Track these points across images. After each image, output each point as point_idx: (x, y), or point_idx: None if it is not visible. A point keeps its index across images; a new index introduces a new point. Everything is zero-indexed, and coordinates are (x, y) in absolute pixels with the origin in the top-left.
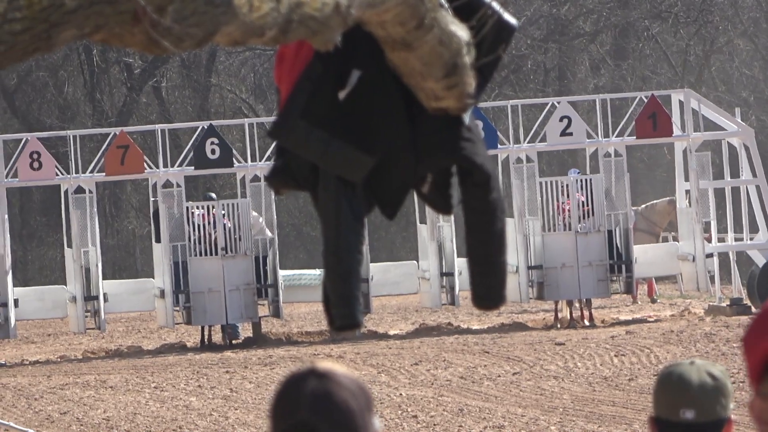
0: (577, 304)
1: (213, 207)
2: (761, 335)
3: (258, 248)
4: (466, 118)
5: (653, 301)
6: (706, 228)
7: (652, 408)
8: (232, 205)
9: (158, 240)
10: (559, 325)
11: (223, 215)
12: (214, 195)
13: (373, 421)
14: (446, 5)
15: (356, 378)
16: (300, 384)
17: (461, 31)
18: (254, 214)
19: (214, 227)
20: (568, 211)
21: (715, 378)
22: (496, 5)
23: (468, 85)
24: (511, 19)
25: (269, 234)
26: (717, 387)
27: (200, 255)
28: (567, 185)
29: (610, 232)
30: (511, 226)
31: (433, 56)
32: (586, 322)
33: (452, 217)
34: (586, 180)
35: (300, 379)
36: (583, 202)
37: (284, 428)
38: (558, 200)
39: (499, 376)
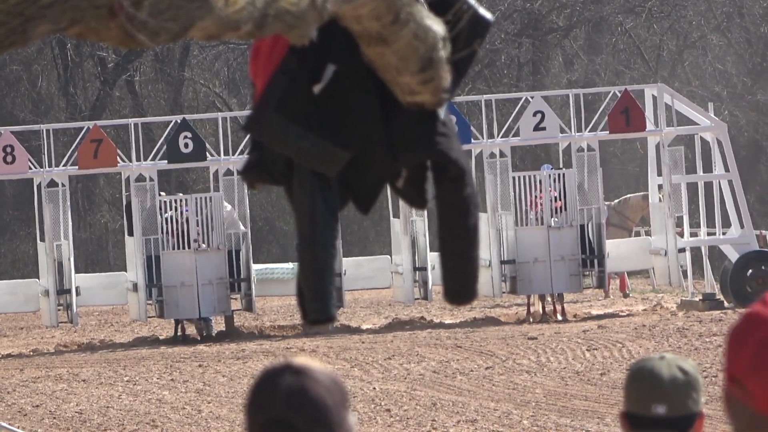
0: (549, 299)
1: (182, 201)
2: None
3: (231, 242)
4: (442, 112)
5: (625, 296)
6: (679, 223)
7: (623, 403)
8: (205, 198)
9: (131, 234)
10: (531, 320)
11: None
12: (182, 195)
13: (348, 416)
14: (422, 0)
15: (332, 373)
16: (276, 379)
17: (437, 26)
18: (228, 207)
19: (183, 216)
20: (541, 205)
21: (686, 373)
22: (471, 0)
23: (443, 80)
24: (487, 14)
25: (242, 228)
26: (688, 381)
27: (173, 249)
28: (540, 180)
29: (582, 227)
30: (484, 221)
31: (409, 51)
32: (559, 317)
33: (425, 212)
34: (559, 174)
35: (276, 375)
36: (555, 197)
37: (260, 423)
38: (531, 194)
39: (472, 370)
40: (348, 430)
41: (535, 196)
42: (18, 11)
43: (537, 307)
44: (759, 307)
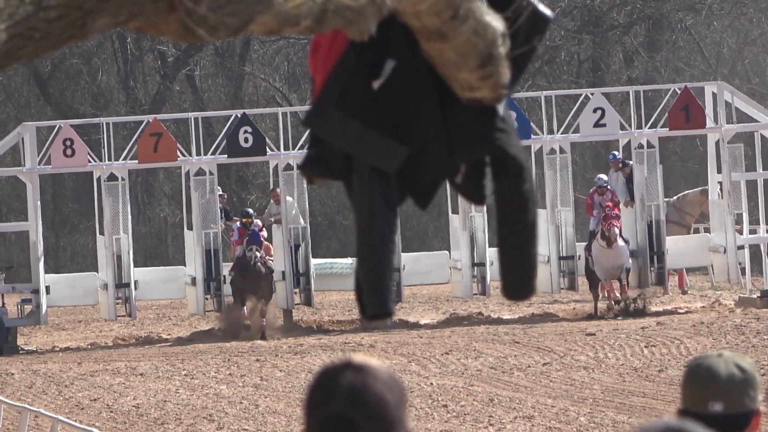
0: (612, 293)
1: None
2: None
3: (291, 237)
4: (501, 108)
5: (684, 293)
6: (738, 220)
7: (681, 400)
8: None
9: (190, 227)
10: (599, 313)
11: (261, 229)
12: (251, 211)
13: (407, 414)
14: None
15: (391, 371)
16: (336, 376)
17: (496, 22)
18: (289, 199)
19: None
20: (612, 219)
21: (744, 370)
22: None
23: (503, 76)
24: (546, 11)
25: (302, 222)
26: (745, 379)
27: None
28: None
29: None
30: (543, 217)
31: (468, 47)
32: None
33: (484, 208)
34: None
35: (336, 372)
36: (617, 201)
37: (320, 420)
38: (601, 206)
39: (530, 366)
40: (407, 428)
41: (604, 206)
42: (77, 4)
43: (611, 291)
44: None
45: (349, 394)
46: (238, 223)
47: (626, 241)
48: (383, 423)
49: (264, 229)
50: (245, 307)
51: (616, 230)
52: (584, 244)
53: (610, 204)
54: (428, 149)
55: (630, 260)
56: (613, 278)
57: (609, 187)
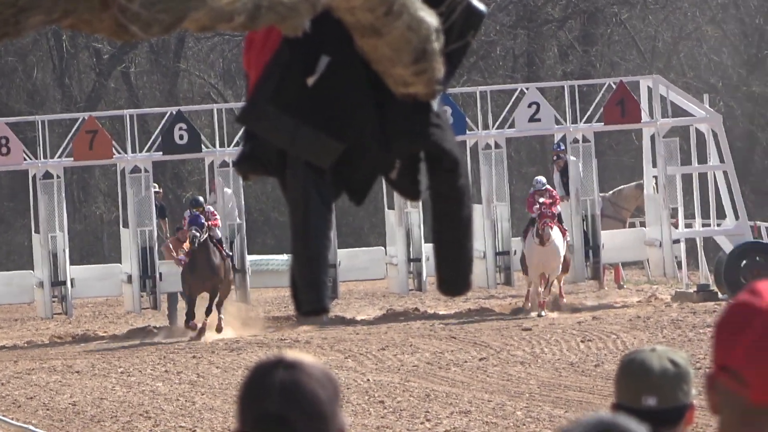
0: (542, 289)
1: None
2: None
3: (226, 233)
4: (435, 104)
5: (620, 287)
6: (674, 214)
7: (614, 395)
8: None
9: (126, 225)
10: (528, 307)
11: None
12: (201, 198)
13: (340, 410)
14: None
15: (324, 367)
16: (268, 374)
17: (430, 18)
18: (228, 191)
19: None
20: (547, 218)
21: (677, 364)
22: None
23: (437, 71)
24: (480, 6)
25: (237, 219)
26: (679, 373)
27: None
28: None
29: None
30: (479, 212)
31: (402, 42)
32: (564, 300)
33: (420, 203)
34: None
35: (268, 369)
36: (554, 196)
37: (253, 418)
38: (537, 204)
39: (466, 361)
40: (340, 423)
41: (542, 204)
42: (11, 2)
43: (538, 291)
44: (748, 296)
45: (282, 391)
46: (188, 212)
47: (565, 235)
48: (317, 419)
49: (217, 217)
50: (194, 312)
51: (550, 231)
52: (520, 238)
53: (547, 202)
54: (363, 145)
55: (561, 263)
56: (542, 274)
57: (547, 187)
